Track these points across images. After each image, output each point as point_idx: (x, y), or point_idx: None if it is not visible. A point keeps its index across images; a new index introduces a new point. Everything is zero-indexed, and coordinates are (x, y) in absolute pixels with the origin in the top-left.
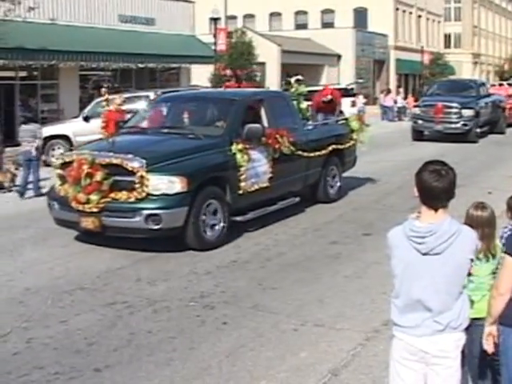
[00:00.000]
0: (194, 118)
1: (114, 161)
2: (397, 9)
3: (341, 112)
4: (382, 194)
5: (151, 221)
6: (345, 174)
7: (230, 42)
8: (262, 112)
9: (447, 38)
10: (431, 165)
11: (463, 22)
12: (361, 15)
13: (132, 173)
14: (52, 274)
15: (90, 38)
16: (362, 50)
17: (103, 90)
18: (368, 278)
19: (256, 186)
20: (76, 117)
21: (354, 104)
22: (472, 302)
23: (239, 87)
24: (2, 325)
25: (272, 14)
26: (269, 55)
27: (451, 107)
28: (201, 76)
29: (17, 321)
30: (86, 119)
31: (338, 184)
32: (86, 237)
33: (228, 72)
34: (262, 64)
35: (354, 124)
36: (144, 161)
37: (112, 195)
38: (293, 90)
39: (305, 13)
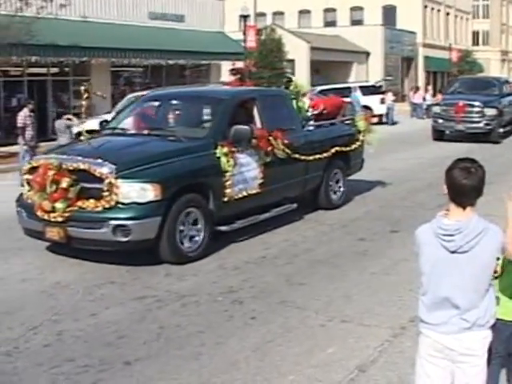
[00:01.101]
0: (179, 119)
1: (82, 166)
2: (425, 6)
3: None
4: (410, 191)
5: (119, 232)
6: (372, 171)
7: (260, 39)
8: (255, 112)
9: (475, 35)
10: (461, 162)
11: (491, 20)
12: (389, 12)
13: (100, 179)
14: (81, 268)
15: (121, 34)
16: (391, 48)
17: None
18: (395, 275)
19: (244, 193)
20: (108, 112)
21: (382, 101)
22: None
23: (241, 85)
24: (33, 317)
25: (301, 12)
26: (298, 52)
27: (473, 106)
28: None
29: (47, 313)
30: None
31: (342, 189)
32: None
33: (234, 67)
34: (292, 61)
35: (361, 124)
36: (113, 166)
37: (79, 204)
38: (292, 87)
39: (334, 10)
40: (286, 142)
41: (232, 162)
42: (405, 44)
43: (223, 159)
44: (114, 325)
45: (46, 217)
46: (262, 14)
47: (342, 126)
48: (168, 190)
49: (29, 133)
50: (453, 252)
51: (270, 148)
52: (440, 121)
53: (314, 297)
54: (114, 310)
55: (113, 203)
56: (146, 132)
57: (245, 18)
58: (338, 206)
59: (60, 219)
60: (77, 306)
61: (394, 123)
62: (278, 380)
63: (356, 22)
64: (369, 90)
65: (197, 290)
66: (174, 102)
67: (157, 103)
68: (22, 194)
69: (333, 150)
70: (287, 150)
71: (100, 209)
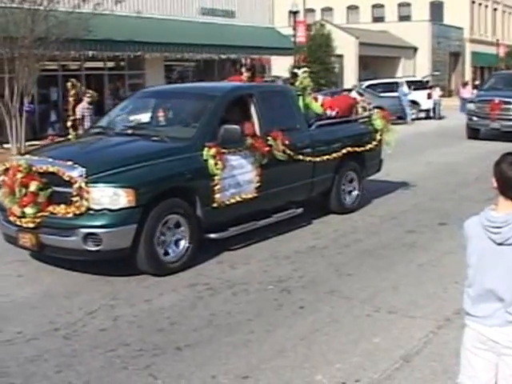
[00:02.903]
0: (168, 117)
1: (51, 169)
2: (473, 2)
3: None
4: (459, 185)
5: (90, 241)
6: (420, 165)
7: (309, 34)
8: (252, 110)
9: None
10: (510, 156)
11: None
12: (437, 8)
13: (70, 183)
14: None
15: (173, 29)
16: (438, 43)
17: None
18: (442, 267)
19: (238, 198)
20: None
21: (429, 96)
22: None
23: (253, 81)
24: (90, 302)
25: (349, 7)
26: (346, 47)
27: (510, 103)
28: (281, 67)
29: (104, 299)
30: None
31: (356, 192)
32: None
33: (247, 61)
34: (340, 56)
35: (378, 123)
36: (83, 169)
37: (50, 209)
38: (297, 83)
39: (382, 6)
40: (286, 142)
41: (221, 165)
42: (452, 39)
43: (211, 161)
44: (167, 311)
45: (18, 222)
46: (311, 10)
47: (356, 124)
48: (143, 196)
49: (87, 124)
50: (499, 244)
51: (266, 149)
52: (474, 118)
53: (362, 287)
54: (167, 296)
55: (83, 209)
56: (130, 132)
57: (294, 13)
58: (351, 210)
59: (31, 225)
60: (132, 292)
61: (440, 118)
62: (324, 368)
63: (404, 18)
64: (416, 85)
65: (248, 278)
66: (165, 99)
67: (147, 101)
68: None
69: (344, 151)
70: (288, 151)
71: (70, 215)
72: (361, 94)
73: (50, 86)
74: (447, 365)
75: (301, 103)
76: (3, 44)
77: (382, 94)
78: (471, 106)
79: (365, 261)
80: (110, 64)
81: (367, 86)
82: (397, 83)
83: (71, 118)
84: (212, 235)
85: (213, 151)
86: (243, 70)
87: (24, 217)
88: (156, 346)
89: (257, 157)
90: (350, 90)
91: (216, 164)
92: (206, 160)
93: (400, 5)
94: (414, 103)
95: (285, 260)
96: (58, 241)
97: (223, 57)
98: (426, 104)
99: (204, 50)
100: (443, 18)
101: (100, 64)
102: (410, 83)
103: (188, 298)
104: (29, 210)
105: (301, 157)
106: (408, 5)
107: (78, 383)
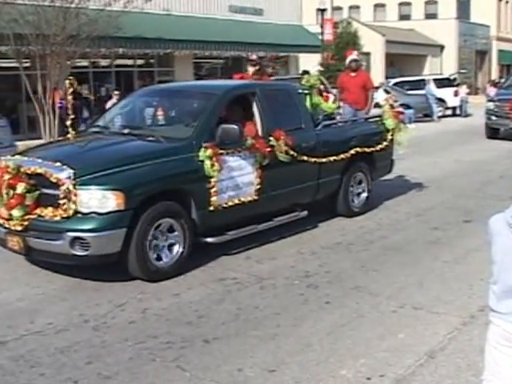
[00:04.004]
0: (166, 117)
1: (39, 170)
2: None
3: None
4: (484, 182)
5: (77, 245)
6: (447, 162)
7: (336, 32)
8: (254, 109)
9: None
10: None
11: None
12: (463, 6)
13: (57, 185)
14: None
15: (202, 27)
16: (465, 41)
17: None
18: (466, 264)
19: (236, 200)
20: None
21: (456, 94)
22: None
23: (260, 79)
24: (119, 295)
25: (376, 5)
26: (373, 45)
27: None
28: (308, 65)
29: (133, 292)
30: None
31: (365, 194)
32: None
33: (254, 57)
34: (367, 54)
35: (389, 122)
36: (71, 171)
37: (37, 211)
38: (303, 81)
39: (408, 4)
40: (289, 142)
41: (217, 166)
42: (478, 37)
43: (207, 163)
44: (195, 305)
45: (6, 224)
46: (339, 8)
47: (366, 124)
48: (134, 199)
49: None
50: None
51: (267, 149)
52: (493, 118)
53: (387, 283)
54: (196, 290)
55: (71, 212)
56: (126, 131)
57: (322, 11)
58: (359, 213)
59: (19, 228)
60: (160, 285)
61: (467, 115)
62: (349, 362)
63: (430, 16)
64: (443, 83)
65: (275, 273)
66: (165, 98)
67: (146, 100)
68: None
69: (352, 151)
70: (292, 152)
71: (58, 218)
72: (387, 92)
73: (81, 82)
74: (472, 361)
75: (308, 102)
76: (35, 41)
77: (409, 92)
78: (490, 105)
79: (390, 257)
80: (140, 61)
81: (394, 84)
82: (424, 81)
83: (70, 116)
84: (209, 239)
85: (209, 152)
86: (248, 66)
87: (11, 219)
88: (184, 338)
89: (257, 158)
90: (377, 88)
91: (213, 165)
92: (202, 161)
93: (427, 3)
94: (441, 101)
95: (311, 255)
96: (45, 244)
97: (261, 55)
98: (453, 102)
99: (232, 48)
100: (470, 16)
101: (130, 61)
102: (436, 81)
103: (216, 292)
104: (16, 213)
105: (305, 158)
106: (435, 2)
107: (108, 374)
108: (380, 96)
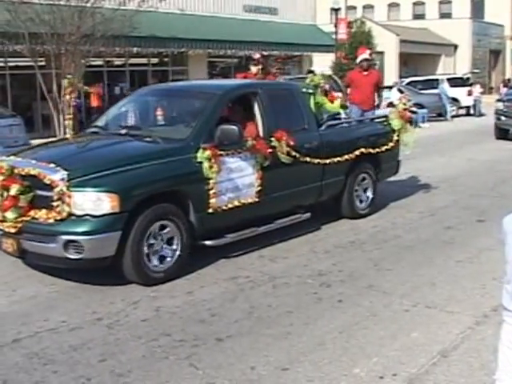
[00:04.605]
0: (165, 117)
1: (32, 171)
2: None
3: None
4: (498, 182)
5: (71, 248)
6: (460, 161)
7: (350, 31)
8: (256, 109)
9: None
10: None
11: None
12: (477, 5)
13: (51, 187)
14: None
15: (216, 27)
16: (478, 40)
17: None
18: (480, 264)
19: (236, 203)
20: None
21: (470, 93)
22: None
23: (264, 79)
24: (132, 293)
25: (390, 5)
26: (387, 45)
27: None
28: (322, 64)
29: (146, 290)
30: None
31: (370, 196)
32: None
33: (256, 56)
34: (381, 53)
35: (396, 123)
36: (65, 172)
37: (31, 213)
38: (308, 80)
39: (422, 3)
40: (291, 143)
41: (216, 168)
42: (492, 37)
43: (205, 164)
44: (208, 303)
45: (0, 226)
46: (353, 8)
47: (371, 124)
48: (129, 201)
49: None
50: None
51: (268, 150)
52: (503, 118)
53: (400, 282)
54: (209, 288)
55: (64, 215)
56: (123, 132)
57: (336, 11)
58: (364, 215)
59: (12, 230)
60: (173, 283)
61: (480, 115)
62: (362, 361)
63: (444, 15)
64: (456, 83)
65: (288, 272)
66: (164, 97)
67: (146, 99)
68: None
69: (357, 152)
70: (294, 153)
71: (51, 221)
72: (401, 91)
73: (95, 81)
74: (484, 361)
75: (312, 102)
76: (51, 40)
77: (423, 91)
78: (500, 105)
79: (403, 256)
80: (154, 60)
81: (408, 83)
82: (437, 80)
83: (68, 116)
84: (208, 242)
85: (207, 153)
86: (251, 65)
87: (5, 221)
88: (197, 336)
89: (258, 159)
90: (390, 87)
91: (211, 167)
92: (201, 162)
93: (441, 2)
94: (455, 100)
95: (324, 254)
96: (39, 247)
97: (265, 53)
98: (466, 101)
99: (246, 47)
100: (484, 16)
101: (144, 60)
102: (450, 80)
103: (229, 290)
104: (9, 215)
105: (308, 159)
106: (449, 2)
107: (121, 372)
108: (393, 95)
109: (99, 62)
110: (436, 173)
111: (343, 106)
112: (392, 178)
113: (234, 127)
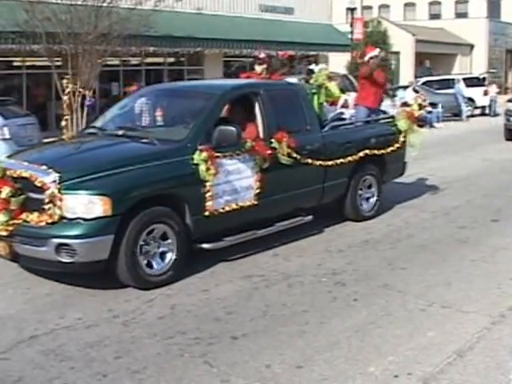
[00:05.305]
0: (163, 117)
1: (24, 173)
2: None
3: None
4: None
5: (63, 252)
6: (475, 161)
7: (366, 31)
8: (257, 110)
9: None
10: None
11: None
12: (494, 5)
13: (42, 189)
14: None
15: (232, 26)
16: (495, 40)
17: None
18: (494, 263)
19: (234, 205)
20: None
21: (486, 93)
22: None
23: (269, 78)
24: (148, 291)
25: (406, 5)
26: (403, 44)
27: None
28: (338, 63)
29: (161, 288)
30: None
31: (375, 198)
32: None
33: (262, 55)
34: (397, 53)
35: (402, 123)
36: (57, 175)
37: (23, 216)
38: (312, 80)
39: (438, 3)
40: (292, 144)
41: (213, 170)
42: (509, 36)
43: (202, 166)
44: (223, 301)
45: None
46: (369, 7)
47: (377, 125)
48: (121, 204)
49: None
50: None
51: (268, 152)
52: None
53: (415, 281)
54: (224, 287)
55: (56, 218)
56: (120, 133)
57: (352, 10)
58: (368, 217)
59: (4, 233)
60: (188, 282)
61: (496, 115)
62: (377, 360)
63: (460, 15)
64: (472, 82)
65: (302, 270)
66: (163, 98)
67: (145, 99)
68: None
69: (361, 154)
70: (294, 155)
71: (43, 224)
72: (416, 91)
73: (111, 80)
74: (501, 360)
75: (315, 102)
76: (67, 40)
77: (438, 91)
78: (510, 106)
79: (418, 255)
80: (170, 59)
81: (423, 83)
82: (453, 80)
83: (65, 117)
84: (205, 245)
85: (204, 155)
86: (255, 64)
87: None
88: (212, 334)
89: (257, 161)
90: (406, 87)
91: (208, 169)
92: (197, 164)
93: (457, 2)
94: (470, 100)
95: (338, 253)
96: (31, 251)
97: (281, 53)
98: (482, 101)
99: (262, 46)
100: (500, 15)
101: (160, 59)
102: (466, 80)
103: (244, 288)
104: (0, 218)
105: (309, 160)
106: (465, 2)
107: (136, 369)
108: (409, 95)
109: (115, 62)
110: (450, 172)
111: (342, 91)
112: (405, 178)
113: (232, 128)
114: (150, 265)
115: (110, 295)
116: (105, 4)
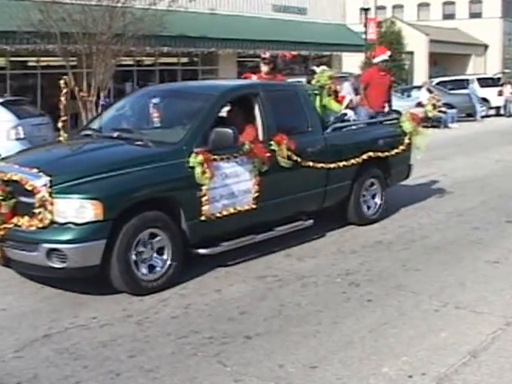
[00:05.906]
0: (160, 119)
1: (14, 177)
2: None
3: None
4: None
5: (54, 257)
6: (489, 162)
7: (380, 31)
8: (256, 111)
9: None
10: None
11: None
12: (509, 5)
13: (33, 193)
14: None
15: (246, 26)
16: (509, 40)
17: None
18: (509, 265)
19: (231, 209)
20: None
21: (500, 93)
22: None
23: (273, 79)
24: (162, 291)
25: (420, 5)
26: (417, 44)
27: None
28: (352, 64)
29: (175, 288)
30: None
31: (379, 202)
32: None
33: (267, 55)
34: (411, 53)
35: (407, 125)
36: (48, 178)
37: (14, 220)
38: (314, 81)
39: (452, 3)
40: (292, 147)
41: (209, 174)
42: None
43: (198, 170)
44: (237, 301)
45: None
46: (382, 7)
47: (381, 127)
48: (114, 208)
49: None
50: None
51: (267, 155)
52: None
53: (429, 282)
54: (237, 287)
55: (46, 222)
56: (115, 135)
57: (365, 10)
58: (372, 221)
59: None
60: (203, 281)
61: (511, 115)
62: (391, 360)
63: (475, 15)
64: (487, 83)
65: (316, 271)
66: (159, 99)
67: (143, 101)
68: None
69: (364, 156)
70: (295, 157)
71: (34, 228)
72: (430, 91)
73: (125, 80)
74: None
75: (317, 103)
76: (82, 40)
77: (452, 92)
78: None
79: (431, 256)
80: (184, 60)
81: (437, 83)
82: (468, 80)
83: (62, 118)
84: (202, 251)
85: (200, 158)
86: (261, 64)
87: None
88: (226, 334)
89: (256, 163)
90: (420, 87)
91: (204, 172)
92: (193, 167)
93: (471, 2)
94: (485, 100)
95: (352, 254)
96: (22, 255)
97: (294, 53)
98: (497, 101)
99: (276, 46)
100: None
101: (174, 59)
102: (480, 80)
103: (258, 288)
104: None
105: (310, 163)
106: (479, 2)
107: (149, 368)
108: (423, 95)
109: (129, 62)
110: (464, 173)
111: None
112: (418, 179)
113: (229, 130)
114: (143, 270)
115: (125, 294)
116: (119, 4)
